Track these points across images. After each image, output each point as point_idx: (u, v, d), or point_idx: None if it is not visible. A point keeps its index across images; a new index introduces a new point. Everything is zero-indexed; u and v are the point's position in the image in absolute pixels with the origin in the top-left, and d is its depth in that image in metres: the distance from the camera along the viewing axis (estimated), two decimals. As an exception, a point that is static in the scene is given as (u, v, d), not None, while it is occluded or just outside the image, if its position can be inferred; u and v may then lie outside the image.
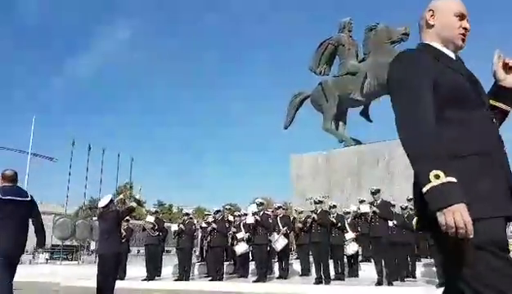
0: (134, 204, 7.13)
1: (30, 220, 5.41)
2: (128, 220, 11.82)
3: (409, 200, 9.74)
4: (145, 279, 10.57)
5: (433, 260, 7.84)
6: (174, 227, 10.74)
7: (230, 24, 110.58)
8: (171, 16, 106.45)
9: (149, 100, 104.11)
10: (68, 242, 28.22)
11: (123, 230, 9.69)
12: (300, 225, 9.45)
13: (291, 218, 10.45)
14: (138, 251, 18.84)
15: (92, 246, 23.95)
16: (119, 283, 7.18)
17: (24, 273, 17.46)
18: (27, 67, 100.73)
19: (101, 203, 6.68)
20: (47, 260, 24.47)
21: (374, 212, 7.98)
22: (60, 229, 20.06)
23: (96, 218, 22.11)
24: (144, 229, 11.38)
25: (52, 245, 27.57)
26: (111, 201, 6.77)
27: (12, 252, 4.91)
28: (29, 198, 5.26)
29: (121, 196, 10.42)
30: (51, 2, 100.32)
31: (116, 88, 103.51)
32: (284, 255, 9.78)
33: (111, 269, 6.38)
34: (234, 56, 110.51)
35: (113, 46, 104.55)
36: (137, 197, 7.42)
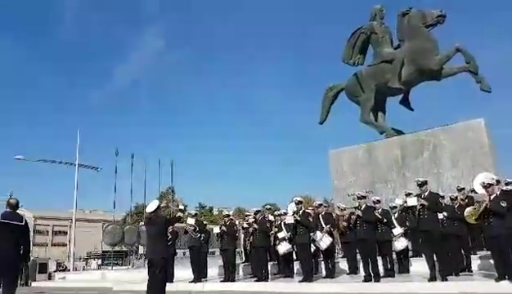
0: (181, 214, 7.41)
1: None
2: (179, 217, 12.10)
3: (459, 190, 9.29)
4: (192, 281, 10.72)
5: (489, 253, 7.35)
6: (216, 229, 10.79)
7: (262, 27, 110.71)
8: (200, 20, 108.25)
9: (186, 103, 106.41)
10: (117, 248, 29.31)
11: (168, 234, 9.84)
12: (345, 224, 9.18)
13: (334, 215, 10.20)
14: (184, 254, 19.18)
15: (141, 250, 24.70)
16: (167, 286, 7.31)
17: (77, 279, 18.39)
18: (69, 80, 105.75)
19: (149, 209, 6.83)
20: (99, 265, 25.51)
21: (422, 205, 7.60)
22: (110, 236, 20.85)
23: (142, 223, 22.84)
24: (186, 232, 11.51)
25: (103, 251, 28.74)
26: (158, 207, 6.91)
27: (7, 264, 6.13)
28: (22, 223, 6.48)
29: (164, 202, 10.71)
30: (89, 16, 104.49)
31: (153, 96, 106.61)
32: (329, 254, 9.54)
33: (160, 273, 6.51)
34: (264, 58, 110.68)
35: (147, 56, 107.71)
36: (180, 207, 7.69)
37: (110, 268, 22.32)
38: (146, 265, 6.89)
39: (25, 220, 6.63)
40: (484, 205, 6.78)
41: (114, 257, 27.22)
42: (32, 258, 20.12)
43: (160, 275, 6.48)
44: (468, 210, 7.20)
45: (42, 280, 18.98)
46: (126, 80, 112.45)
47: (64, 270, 25.70)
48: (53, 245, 60.42)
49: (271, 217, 11.27)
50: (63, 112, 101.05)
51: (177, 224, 13.04)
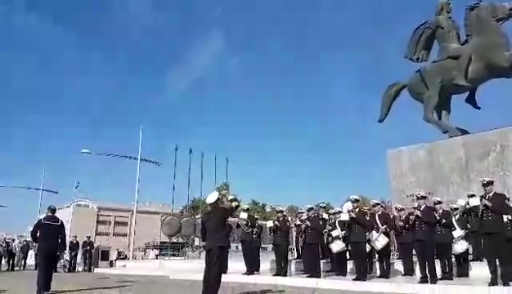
0: (237, 203, 7.68)
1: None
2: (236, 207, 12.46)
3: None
4: (245, 273, 10.94)
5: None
6: (270, 223, 10.94)
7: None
8: (260, 20, 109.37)
9: (246, 103, 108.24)
10: (174, 240, 30.45)
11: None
12: (401, 224, 8.92)
13: (391, 216, 9.93)
14: (237, 247, 19.58)
15: (196, 242, 25.47)
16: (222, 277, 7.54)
17: (136, 267, 19.41)
18: (135, 81, 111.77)
19: (210, 199, 7.08)
20: (156, 255, 26.69)
21: (485, 206, 7.21)
22: (168, 227, 21.78)
23: (198, 216, 23.60)
24: (238, 226, 11.76)
25: (161, 242, 30.00)
26: (218, 198, 7.18)
27: (49, 251, 8.79)
28: (59, 223, 8.92)
29: (222, 194, 11.10)
30: (152, 17, 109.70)
31: (213, 96, 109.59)
32: (384, 254, 9.33)
33: (219, 262, 6.75)
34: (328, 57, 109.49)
35: (208, 57, 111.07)
36: (236, 203, 8.02)
37: (166, 258, 23.26)
38: (205, 255, 7.05)
39: (61, 221, 9.03)
40: None
41: (170, 248, 28.34)
42: (95, 246, 21.61)
43: (218, 264, 6.71)
44: None
45: (104, 267, 20.26)
46: (187, 80, 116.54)
47: (124, 259, 27.19)
48: (114, 235, 64.06)
49: (324, 215, 11.21)
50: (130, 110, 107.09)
51: (230, 219, 13.41)
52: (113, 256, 23.60)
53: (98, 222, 65.75)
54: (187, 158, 24.38)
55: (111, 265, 21.38)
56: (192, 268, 14.60)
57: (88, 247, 19.87)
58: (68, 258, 19.32)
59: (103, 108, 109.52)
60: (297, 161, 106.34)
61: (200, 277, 6.77)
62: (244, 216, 11.23)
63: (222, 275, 6.95)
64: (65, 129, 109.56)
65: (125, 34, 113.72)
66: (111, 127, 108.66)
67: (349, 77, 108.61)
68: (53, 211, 9.03)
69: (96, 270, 19.27)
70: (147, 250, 36.64)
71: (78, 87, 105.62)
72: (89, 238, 20.90)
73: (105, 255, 21.54)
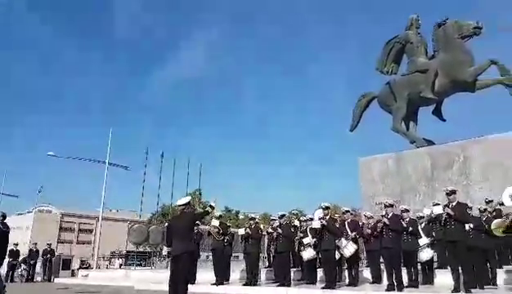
0: (209, 209, 7.48)
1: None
2: (197, 225, 12.18)
3: (487, 202, 9.06)
4: (214, 284, 10.75)
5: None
6: (241, 231, 10.83)
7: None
8: (247, 25, 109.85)
9: (222, 110, 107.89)
10: (141, 249, 29.71)
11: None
12: (369, 231, 9.07)
13: (360, 223, 10.08)
14: (207, 257, 19.28)
15: (165, 251, 24.92)
16: (189, 287, 7.34)
17: (100, 276, 18.75)
18: (109, 81, 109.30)
19: (180, 201, 6.92)
20: (120, 265, 25.87)
21: (448, 215, 7.44)
22: (135, 235, 21.21)
23: (167, 224, 23.06)
24: (209, 234, 11.54)
25: (127, 251, 29.20)
26: (189, 202, 7.02)
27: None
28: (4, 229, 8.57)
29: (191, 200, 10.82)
30: (134, 19, 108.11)
31: (190, 100, 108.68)
32: (353, 261, 9.43)
33: (185, 270, 6.54)
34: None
35: (189, 61, 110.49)
36: (212, 204, 7.75)
37: (133, 268, 22.63)
38: (170, 261, 6.82)
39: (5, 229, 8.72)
40: (511, 218, 6.58)
41: (137, 257, 27.62)
42: (56, 254, 20.73)
43: (185, 271, 6.54)
44: (495, 222, 7.02)
45: (65, 277, 19.41)
46: (165, 83, 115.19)
47: (87, 268, 26.28)
48: (78, 243, 61.93)
49: (296, 222, 11.24)
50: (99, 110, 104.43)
51: (201, 227, 13.17)
52: (75, 265, 22.70)
53: (61, 229, 63.37)
54: (158, 164, 23.74)
55: (73, 274, 20.54)
56: (159, 278, 14.22)
57: (49, 256, 18.98)
58: (26, 267, 18.43)
59: (76, 108, 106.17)
60: (272, 167, 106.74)
61: (166, 287, 6.56)
62: (215, 223, 11.08)
63: (190, 286, 6.78)
64: (30, 130, 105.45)
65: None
66: (82, 128, 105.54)
67: (326, 89, 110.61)
68: (3, 217, 8.71)
69: (57, 280, 18.45)
70: (112, 259, 35.62)
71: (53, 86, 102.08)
72: (50, 245, 20.00)
73: (66, 264, 20.63)
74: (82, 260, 31.94)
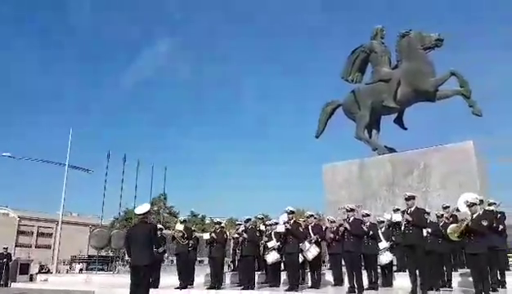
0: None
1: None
2: (160, 230, 11.99)
3: (444, 208, 9.46)
4: (177, 288, 10.62)
5: (469, 270, 7.49)
6: (206, 235, 10.76)
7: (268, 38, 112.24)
8: (207, 31, 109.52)
9: (184, 113, 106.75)
10: (103, 253, 28.92)
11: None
12: (332, 235, 9.25)
13: (323, 227, 10.27)
14: (172, 262, 19.01)
15: (127, 256, 24.33)
16: (152, 292, 7.23)
17: (59, 281, 18.12)
18: (67, 80, 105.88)
19: (140, 210, 6.73)
20: (80, 269, 25.07)
21: (407, 220, 7.70)
22: (96, 239, 20.58)
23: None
24: (174, 238, 11.33)
25: (89, 255, 28.35)
26: (149, 211, 6.87)
27: None
28: None
29: (156, 208, 10.61)
30: (94, 17, 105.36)
31: (151, 102, 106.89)
32: (316, 264, 9.59)
33: (145, 280, 6.42)
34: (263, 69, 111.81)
35: (152, 62, 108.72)
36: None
37: (94, 272, 22.00)
38: (130, 271, 6.60)
39: None
40: (466, 223, 6.92)
41: (99, 262, 26.85)
42: (14, 258, 19.85)
43: (146, 282, 6.42)
44: (451, 227, 7.30)
45: (23, 281, 18.63)
46: (126, 84, 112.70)
47: (47, 273, 25.27)
48: (37, 247, 59.43)
49: (261, 227, 11.28)
50: (59, 111, 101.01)
51: (165, 231, 12.98)
52: (34, 269, 21.79)
53: (19, 233, 60.61)
54: (121, 167, 22.97)
55: (31, 279, 19.72)
56: (122, 283, 13.91)
57: (5, 260, 18.17)
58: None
59: (31, 108, 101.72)
60: (240, 172, 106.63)
61: (128, 292, 6.44)
62: (180, 227, 10.93)
63: (153, 290, 6.68)
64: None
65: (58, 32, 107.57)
66: (40, 129, 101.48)
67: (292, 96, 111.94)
68: None
69: (14, 285, 17.66)
70: (73, 263, 34.48)
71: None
72: (6, 249, 19.14)
73: (24, 268, 19.78)
74: (41, 265, 30.63)
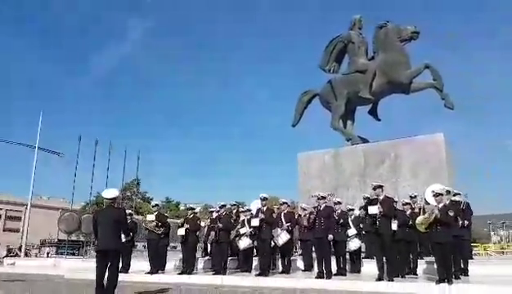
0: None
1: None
2: (131, 215, 11.83)
3: (411, 198, 9.70)
4: (148, 273, 10.55)
5: (434, 258, 7.74)
6: (181, 231, 10.43)
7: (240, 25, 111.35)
8: (184, 17, 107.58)
9: (159, 99, 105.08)
10: (74, 237, 28.39)
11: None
12: (305, 223, 9.34)
13: (296, 215, 10.38)
14: (144, 247, 18.85)
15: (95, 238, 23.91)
16: (122, 277, 7.12)
17: (27, 265, 17.73)
18: (39, 63, 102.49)
19: (109, 194, 6.57)
20: (48, 253, 24.58)
21: (381, 212, 7.80)
22: (66, 224, 20.15)
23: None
24: (147, 229, 11.10)
25: (58, 240, 27.81)
26: (117, 197, 6.74)
27: None
28: None
29: (128, 193, 10.42)
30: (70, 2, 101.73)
31: (126, 87, 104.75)
32: (286, 250, 9.71)
33: (113, 265, 6.32)
34: (248, 56, 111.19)
35: (126, 47, 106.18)
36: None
37: (64, 257, 21.61)
38: (97, 255, 6.40)
39: None
40: (434, 215, 7.09)
41: (69, 247, 26.38)
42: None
43: (115, 267, 6.34)
44: (419, 219, 7.43)
45: (-12, 265, 18.17)
46: (102, 67, 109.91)
47: (14, 256, 24.72)
48: (5, 230, 57.84)
49: (241, 216, 11.23)
50: (30, 94, 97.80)
51: (136, 217, 12.75)
52: (1, 253, 21.28)
53: (-15, 215, 58.82)
54: (93, 150, 22.33)
55: (-2, 262, 19.26)
56: (91, 267, 13.69)
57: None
58: None
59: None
60: (216, 159, 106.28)
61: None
62: (151, 217, 10.78)
63: (123, 275, 6.60)
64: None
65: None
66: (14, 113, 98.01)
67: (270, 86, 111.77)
68: None
69: (-21, 269, 17.20)
70: (42, 248, 33.81)
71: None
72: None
73: (-9, 252, 19.32)
74: (8, 249, 29.92)
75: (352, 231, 9.13)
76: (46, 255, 24.97)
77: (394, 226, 8.06)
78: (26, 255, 26.64)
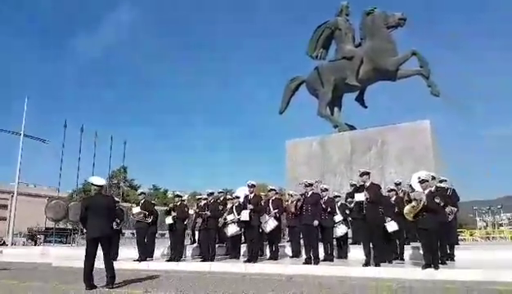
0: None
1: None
2: (117, 202, 11.80)
3: (396, 184, 9.84)
4: (136, 260, 10.57)
5: (420, 244, 7.89)
6: (169, 220, 10.39)
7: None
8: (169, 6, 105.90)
9: (146, 86, 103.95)
10: (62, 225, 28.25)
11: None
12: (293, 210, 9.42)
13: (283, 201, 10.46)
14: (132, 234, 18.84)
15: (82, 226, 23.79)
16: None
17: (15, 253, 17.62)
18: (22, 48, 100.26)
19: (99, 181, 6.63)
20: (35, 241, 24.48)
21: (367, 199, 7.88)
22: (53, 211, 19.99)
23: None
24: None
25: (46, 228, 27.65)
26: (103, 185, 6.79)
27: None
28: None
29: (115, 181, 10.36)
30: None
31: (113, 72, 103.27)
32: (274, 237, 9.81)
33: (110, 250, 6.48)
34: (234, 45, 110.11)
35: (113, 32, 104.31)
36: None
37: (52, 245, 21.52)
38: (89, 242, 6.44)
39: None
40: (422, 204, 7.15)
41: (57, 235, 26.27)
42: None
43: (109, 255, 6.43)
44: (407, 208, 7.47)
45: (-24, 253, 18.00)
46: (89, 54, 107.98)
47: (2, 245, 24.54)
48: (-9, 219, 57.24)
49: (222, 200, 11.29)
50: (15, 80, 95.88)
51: (123, 204, 12.67)
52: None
53: (-29, 205, 58.06)
54: (78, 137, 21.97)
55: (-15, 251, 19.05)
56: (79, 255, 13.66)
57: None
58: None
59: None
60: (205, 146, 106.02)
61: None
62: (136, 210, 10.74)
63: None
64: None
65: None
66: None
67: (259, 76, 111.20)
68: None
69: (-36, 257, 17.02)
70: (30, 236, 33.62)
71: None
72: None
73: (-23, 240, 19.12)
74: (-5, 237, 29.71)
75: (338, 217, 9.25)
76: (33, 242, 24.83)
77: (391, 228, 8.23)
78: (13, 243, 26.46)
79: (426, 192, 7.29)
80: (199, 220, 10.28)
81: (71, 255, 14.73)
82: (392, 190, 9.21)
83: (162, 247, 12.05)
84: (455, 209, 8.67)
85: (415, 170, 10.53)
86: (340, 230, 9.27)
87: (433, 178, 8.14)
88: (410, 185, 9.44)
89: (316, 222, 8.53)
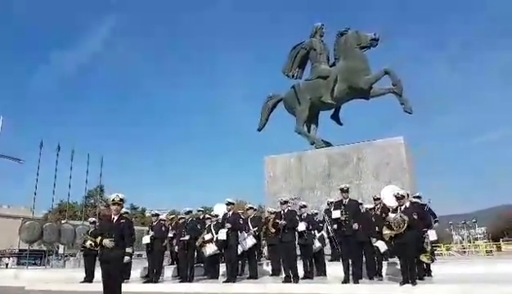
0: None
1: None
2: (94, 223, 11.65)
3: (375, 200, 10.01)
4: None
5: (397, 260, 8.01)
6: (146, 239, 10.41)
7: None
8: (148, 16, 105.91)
9: (123, 101, 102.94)
10: (36, 247, 27.40)
11: None
12: (273, 230, 9.38)
13: (263, 219, 10.47)
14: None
15: (61, 250, 23.20)
16: (87, 286, 6.93)
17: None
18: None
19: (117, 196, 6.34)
20: (6, 264, 23.63)
21: (345, 218, 7.98)
22: (27, 233, 19.35)
23: (64, 222, 21.47)
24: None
25: (20, 250, 26.78)
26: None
27: None
28: None
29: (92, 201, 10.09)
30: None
31: (88, 89, 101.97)
32: (252, 255, 9.79)
33: (118, 272, 6.33)
34: (209, 58, 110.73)
35: (90, 48, 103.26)
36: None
37: (25, 267, 20.79)
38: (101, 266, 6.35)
39: None
40: (406, 225, 7.13)
41: (31, 256, 25.43)
42: None
43: (118, 274, 6.29)
44: (387, 234, 7.42)
45: None
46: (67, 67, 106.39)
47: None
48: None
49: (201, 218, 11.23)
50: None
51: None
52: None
53: None
54: (54, 156, 21.45)
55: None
56: (54, 277, 13.33)
57: None
58: None
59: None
60: (182, 163, 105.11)
61: (64, 287, 6.22)
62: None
63: (89, 285, 6.50)
64: None
65: None
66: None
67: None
68: None
69: None
70: (2, 258, 32.53)
71: None
72: None
73: None
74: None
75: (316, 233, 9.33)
76: (5, 266, 23.93)
77: (382, 248, 8.34)
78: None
79: (402, 208, 7.40)
80: (176, 240, 10.18)
81: (45, 277, 14.28)
82: (371, 209, 9.28)
83: (139, 268, 11.85)
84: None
85: (390, 184, 10.71)
86: (316, 245, 9.30)
87: (407, 195, 8.32)
88: (378, 198, 9.46)
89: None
